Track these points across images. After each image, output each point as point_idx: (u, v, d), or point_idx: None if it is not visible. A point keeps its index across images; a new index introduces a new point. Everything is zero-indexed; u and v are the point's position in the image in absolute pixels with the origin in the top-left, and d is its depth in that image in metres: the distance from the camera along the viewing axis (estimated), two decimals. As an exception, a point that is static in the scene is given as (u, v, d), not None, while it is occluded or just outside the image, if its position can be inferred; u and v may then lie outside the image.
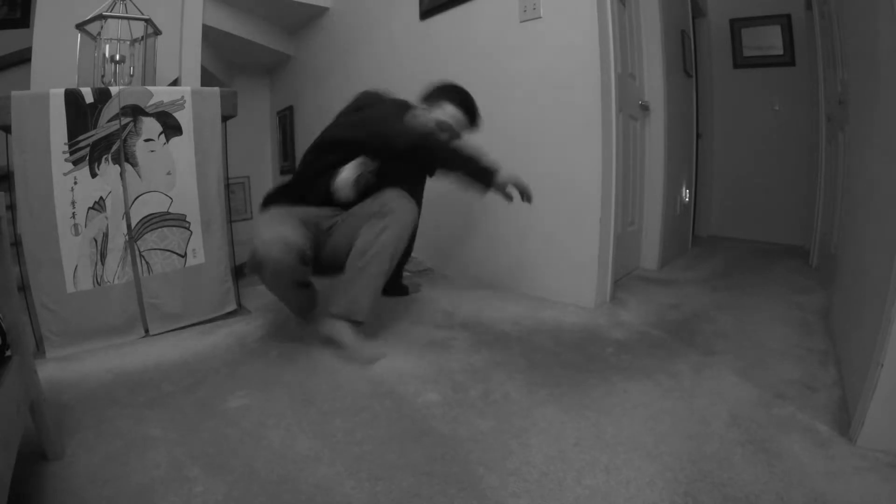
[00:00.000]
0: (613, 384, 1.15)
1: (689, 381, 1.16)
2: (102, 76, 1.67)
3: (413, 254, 1.81)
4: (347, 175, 1.34)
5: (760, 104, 3.17)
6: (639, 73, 2.29)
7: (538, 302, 1.84)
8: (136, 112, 1.48)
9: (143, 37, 1.73)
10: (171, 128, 1.54)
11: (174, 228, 1.57)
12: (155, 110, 1.51)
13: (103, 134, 1.43)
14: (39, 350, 1.38)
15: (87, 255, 1.43)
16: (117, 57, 1.69)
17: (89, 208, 1.43)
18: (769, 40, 3.09)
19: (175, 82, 2.24)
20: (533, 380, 1.19)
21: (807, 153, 2.80)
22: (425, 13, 2.26)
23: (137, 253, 1.51)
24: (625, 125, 2.07)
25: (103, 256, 1.46)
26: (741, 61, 3.20)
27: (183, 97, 1.56)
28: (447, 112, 1.42)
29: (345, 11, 2.93)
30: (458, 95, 1.43)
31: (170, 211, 1.56)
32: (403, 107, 1.48)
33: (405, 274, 2.06)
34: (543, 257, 1.91)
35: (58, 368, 1.28)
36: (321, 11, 3.09)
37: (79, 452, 0.89)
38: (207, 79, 2.76)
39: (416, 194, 1.53)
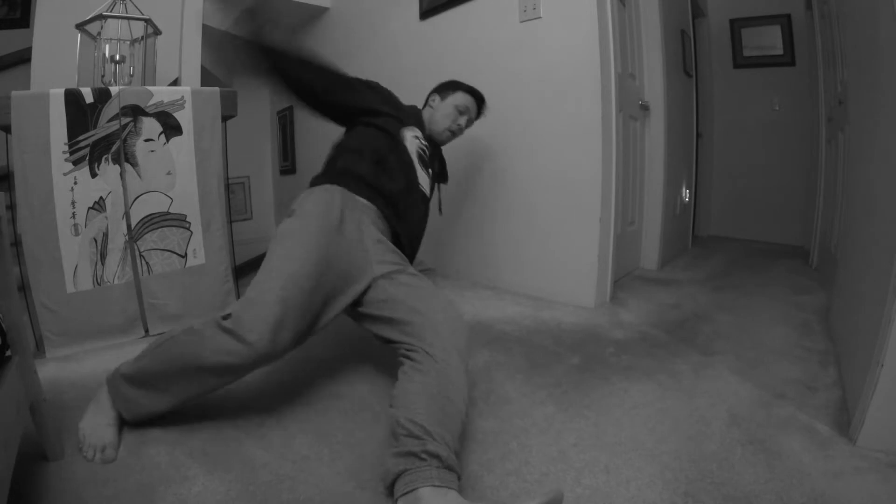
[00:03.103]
0: (613, 384, 1.15)
1: (689, 381, 1.16)
2: (102, 76, 1.67)
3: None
4: None
5: (760, 104, 3.17)
6: (639, 73, 2.28)
7: (538, 302, 1.84)
8: (136, 112, 1.48)
9: (143, 37, 1.73)
10: (171, 128, 1.54)
11: (174, 228, 1.57)
12: (155, 110, 1.51)
13: (103, 134, 1.43)
14: (39, 350, 1.38)
15: (87, 255, 1.43)
16: (117, 57, 1.69)
17: (89, 208, 1.43)
18: (769, 40, 3.09)
19: (175, 82, 2.23)
20: (533, 380, 1.19)
21: (807, 153, 2.79)
22: (425, 13, 2.26)
23: (137, 253, 1.51)
24: (625, 125, 2.07)
25: (103, 256, 1.46)
26: (741, 61, 3.20)
27: (183, 97, 1.56)
28: (458, 98, 1.52)
29: (345, 11, 2.92)
30: (466, 85, 1.56)
31: (170, 211, 1.56)
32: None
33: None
34: (543, 257, 1.91)
35: (58, 368, 1.28)
36: (321, 11, 3.09)
37: (79, 452, 0.89)
38: (207, 79, 2.76)
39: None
